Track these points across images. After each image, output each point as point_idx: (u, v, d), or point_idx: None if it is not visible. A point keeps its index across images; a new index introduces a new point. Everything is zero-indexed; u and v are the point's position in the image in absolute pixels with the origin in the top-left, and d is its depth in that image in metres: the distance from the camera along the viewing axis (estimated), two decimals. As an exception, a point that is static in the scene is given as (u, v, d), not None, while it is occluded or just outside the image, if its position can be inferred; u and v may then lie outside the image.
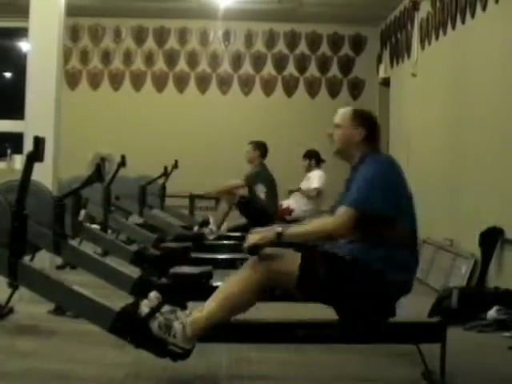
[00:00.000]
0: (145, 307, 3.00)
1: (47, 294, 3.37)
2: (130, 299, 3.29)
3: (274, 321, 3.22)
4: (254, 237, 3.05)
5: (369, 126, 3.30)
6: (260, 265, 3.00)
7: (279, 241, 3.00)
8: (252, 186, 7.37)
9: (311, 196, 8.20)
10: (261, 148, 7.62)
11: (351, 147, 3.28)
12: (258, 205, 7.25)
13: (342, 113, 3.34)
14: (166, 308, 3.01)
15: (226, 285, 3.07)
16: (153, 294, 3.05)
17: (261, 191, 7.46)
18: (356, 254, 3.06)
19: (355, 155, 3.27)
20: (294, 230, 3.11)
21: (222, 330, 3.09)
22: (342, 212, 3.04)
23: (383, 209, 3.05)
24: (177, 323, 2.97)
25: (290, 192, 8.36)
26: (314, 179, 8.28)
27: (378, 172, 3.14)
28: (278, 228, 3.05)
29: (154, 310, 2.98)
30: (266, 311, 3.25)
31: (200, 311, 3.02)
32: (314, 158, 8.47)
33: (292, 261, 3.01)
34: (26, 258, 3.69)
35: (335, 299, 3.09)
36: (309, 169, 8.46)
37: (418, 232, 3.26)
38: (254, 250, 3.03)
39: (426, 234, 7.21)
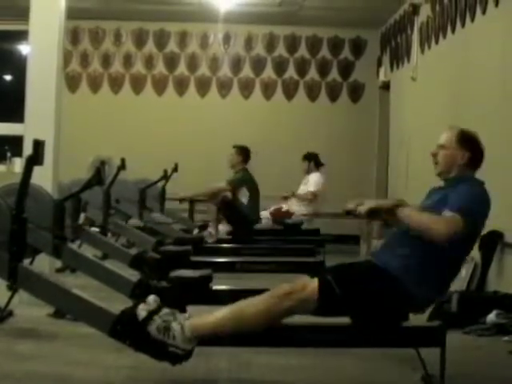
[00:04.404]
0: (142, 311, 2.99)
1: (47, 297, 3.37)
2: (129, 302, 3.29)
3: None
4: (370, 202, 3.16)
5: (474, 150, 3.34)
6: (283, 297, 2.95)
7: (395, 212, 3.05)
8: (236, 191, 7.46)
9: (307, 200, 8.22)
10: (245, 153, 7.67)
11: (453, 168, 3.34)
12: (239, 210, 7.33)
13: (449, 134, 3.46)
14: (164, 311, 3.00)
15: (246, 302, 3.01)
16: (151, 298, 3.05)
17: (244, 196, 7.53)
18: (404, 273, 3.02)
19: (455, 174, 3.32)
20: (412, 212, 3.10)
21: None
22: (451, 216, 2.99)
23: (478, 227, 3.13)
24: (175, 324, 2.95)
25: (285, 198, 8.34)
26: (311, 183, 8.31)
27: (479, 192, 3.25)
28: (400, 199, 3.18)
29: (152, 314, 2.97)
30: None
31: (211, 315, 3.01)
32: (313, 161, 8.49)
33: (310, 287, 2.98)
34: (26, 261, 3.69)
35: (357, 313, 3.07)
36: (308, 171, 8.47)
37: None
38: (373, 213, 3.13)
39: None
